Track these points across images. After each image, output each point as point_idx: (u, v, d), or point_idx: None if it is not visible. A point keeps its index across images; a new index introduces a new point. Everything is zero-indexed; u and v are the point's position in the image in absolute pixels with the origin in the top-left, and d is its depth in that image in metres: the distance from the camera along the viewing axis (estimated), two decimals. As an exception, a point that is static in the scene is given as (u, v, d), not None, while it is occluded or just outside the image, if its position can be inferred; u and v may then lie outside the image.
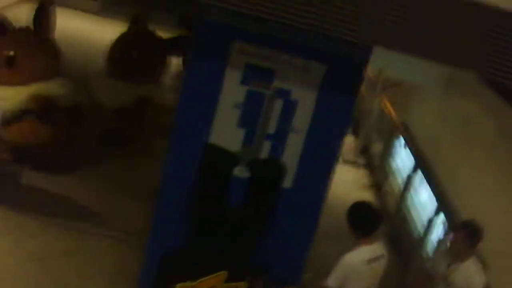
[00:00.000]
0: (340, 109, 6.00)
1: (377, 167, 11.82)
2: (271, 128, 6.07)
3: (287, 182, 6.13)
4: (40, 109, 7.90)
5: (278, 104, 6.02)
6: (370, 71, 14.13)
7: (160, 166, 6.08)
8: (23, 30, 8.27)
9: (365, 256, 5.76)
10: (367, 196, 10.76)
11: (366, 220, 5.83)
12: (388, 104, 12.29)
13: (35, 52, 8.15)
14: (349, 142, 13.01)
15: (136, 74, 9.59)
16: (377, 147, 12.40)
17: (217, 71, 5.95)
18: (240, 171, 5.98)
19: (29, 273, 6.75)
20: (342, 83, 5.91)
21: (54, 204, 8.16)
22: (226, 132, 6.07)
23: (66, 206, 8.18)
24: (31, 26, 8.27)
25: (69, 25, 15.81)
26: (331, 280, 5.71)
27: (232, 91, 6.01)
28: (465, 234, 6.15)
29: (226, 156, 5.89)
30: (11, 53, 7.84)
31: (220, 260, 5.77)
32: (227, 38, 5.87)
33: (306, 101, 5.99)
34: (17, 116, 7.85)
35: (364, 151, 12.74)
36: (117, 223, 8.04)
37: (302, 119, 6.04)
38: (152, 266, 5.91)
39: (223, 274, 5.66)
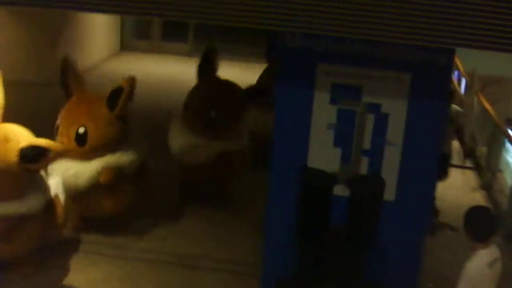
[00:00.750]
0: (432, 116, 5.98)
1: (485, 168, 11.57)
2: (366, 144, 6.11)
3: (389, 196, 6.12)
4: (109, 182, 7.81)
5: (370, 119, 6.06)
6: (465, 71, 13.90)
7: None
8: (96, 102, 7.99)
9: (486, 260, 5.66)
10: (477, 198, 10.54)
11: (484, 225, 5.73)
12: (488, 103, 12.04)
13: (106, 127, 7.87)
14: (454, 146, 12.79)
15: (217, 131, 8.95)
16: (482, 148, 12.14)
17: (306, 94, 6.05)
18: (340, 190, 6.03)
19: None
20: (429, 90, 5.89)
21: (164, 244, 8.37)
22: (322, 153, 6.14)
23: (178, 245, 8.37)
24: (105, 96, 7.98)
25: (165, 68, 16.36)
26: None
27: (323, 112, 6.10)
28: None
29: (325, 176, 5.95)
30: (82, 130, 7.75)
31: (332, 281, 5.79)
32: (312, 61, 5.98)
33: (397, 113, 6.00)
34: (86, 191, 7.87)
35: (470, 153, 12.48)
36: (230, 257, 8.14)
37: (395, 131, 6.04)
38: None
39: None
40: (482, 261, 5.65)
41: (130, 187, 8.12)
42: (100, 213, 8.10)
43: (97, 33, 17.34)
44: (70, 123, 7.76)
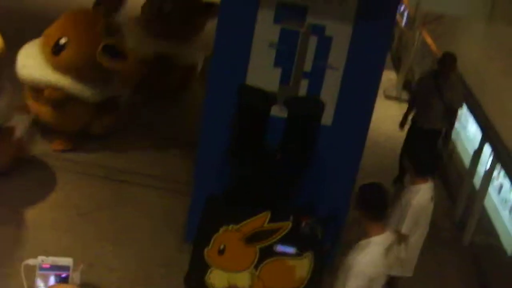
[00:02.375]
0: (376, 43, 5.89)
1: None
2: (307, 66, 6.00)
3: (327, 120, 6.07)
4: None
5: (313, 41, 5.94)
6: (409, 5, 13.89)
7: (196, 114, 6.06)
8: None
9: (429, 195, 5.76)
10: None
11: (428, 159, 5.82)
12: (429, 38, 12.06)
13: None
14: (391, 77, 12.85)
15: (167, 30, 9.56)
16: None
17: (249, 12, 5.89)
18: (278, 110, 5.94)
19: (76, 225, 6.84)
20: (376, 16, 5.79)
21: (99, 156, 8.25)
22: (262, 72, 6.02)
23: (111, 158, 8.26)
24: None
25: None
26: (406, 228, 5.67)
27: (266, 31, 5.95)
28: None
29: (264, 95, 5.84)
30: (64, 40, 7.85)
31: (263, 201, 5.75)
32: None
33: (341, 37, 5.90)
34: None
35: (406, 86, 12.56)
36: (162, 173, 8.09)
37: (338, 55, 5.95)
38: (197, 212, 5.93)
39: (266, 214, 5.64)
40: (426, 195, 5.72)
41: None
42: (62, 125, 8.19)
43: None
44: (57, 29, 7.95)
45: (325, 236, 5.80)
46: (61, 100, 7.75)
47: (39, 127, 8.28)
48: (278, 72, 6.04)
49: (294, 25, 5.91)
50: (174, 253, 6.68)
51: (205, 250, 5.78)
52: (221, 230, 5.73)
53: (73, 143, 8.20)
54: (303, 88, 6.05)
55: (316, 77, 6.01)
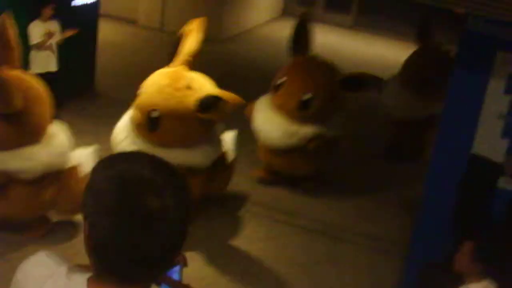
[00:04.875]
0: None
1: None
2: (536, 138, 5.91)
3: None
4: (314, 149, 8.29)
5: (543, 113, 5.85)
6: None
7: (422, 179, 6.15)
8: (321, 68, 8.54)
9: None
10: None
11: None
12: None
13: (327, 95, 8.37)
14: None
15: (431, 92, 9.58)
16: None
17: (481, 81, 5.91)
18: (505, 182, 5.88)
19: (291, 277, 7.06)
20: None
21: (315, 213, 8.49)
22: (489, 143, 5.99)
23: (328, 215, 8.46)
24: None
25: (325, 39, 16.34)
26: None
27: (495, 101, 5.94)
28: None
29: (491, 166, 5.81)
30: (308, 96, 8.18)
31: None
32: (492, 49, 5.83)
33: None
34: (289, 150, 8.36)
35: None
36: (376, 233, 8.17)
37: None
38: (412, 278, 5.95)
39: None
40: None
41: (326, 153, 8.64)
42: (295, 171, 8.71)
43: (261, -6, 17.59)
44: (297, 87, 8.25)
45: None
46: None
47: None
48: (505, 143, 5.99)
49: (524, 96, 5.88)
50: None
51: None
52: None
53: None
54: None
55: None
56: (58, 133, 6.85)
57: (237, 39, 14.99)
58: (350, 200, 8.89)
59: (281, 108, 8.25)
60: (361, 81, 8.51)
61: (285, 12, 18.74)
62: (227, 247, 7.41)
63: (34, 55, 9.24)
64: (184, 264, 3.26)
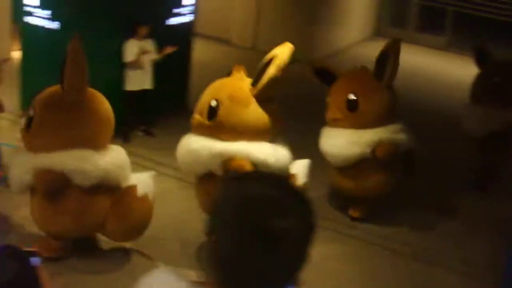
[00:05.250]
0: None
1: None
2: None
3: None
4: (384, 157, 7.80)
5: None
6: None
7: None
8: (364, 73, 8.20)
9: None
10: None
11: None
12: None
13: (375, 97, 8.00)
14: None
15: (501, 100, 9.28)
16: None
17: None
18: None
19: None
20: None
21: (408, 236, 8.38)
22: None
23: (418, 238, 8.35)
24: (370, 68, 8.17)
25: (417, 61, 16.16)
26: None
27: None
28: None
29: None
30: (352, 96, 7.89)
31: None
32: None
33: None
34: (359, 166, 7.94)
35: None
36: (467, 258, 7.98)
37: None
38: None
39: None
40: None
41: (399, 168, 8.16)
42: (363, 192, 8.16)
43: (354, 15, 17.55)
44: (340, 93, 8.01)
45: None
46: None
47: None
48: None
49: None
50: None
51: None
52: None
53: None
54: None
55: None
56: (118, 150, 6.84)
57: (328, 59, 14.93)
58: (440, 224, 8.72)
59: (334, 121, 8.06)
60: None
61: (377, 33, 18.62)
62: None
63: (130, 73, 9.50)
64: None
